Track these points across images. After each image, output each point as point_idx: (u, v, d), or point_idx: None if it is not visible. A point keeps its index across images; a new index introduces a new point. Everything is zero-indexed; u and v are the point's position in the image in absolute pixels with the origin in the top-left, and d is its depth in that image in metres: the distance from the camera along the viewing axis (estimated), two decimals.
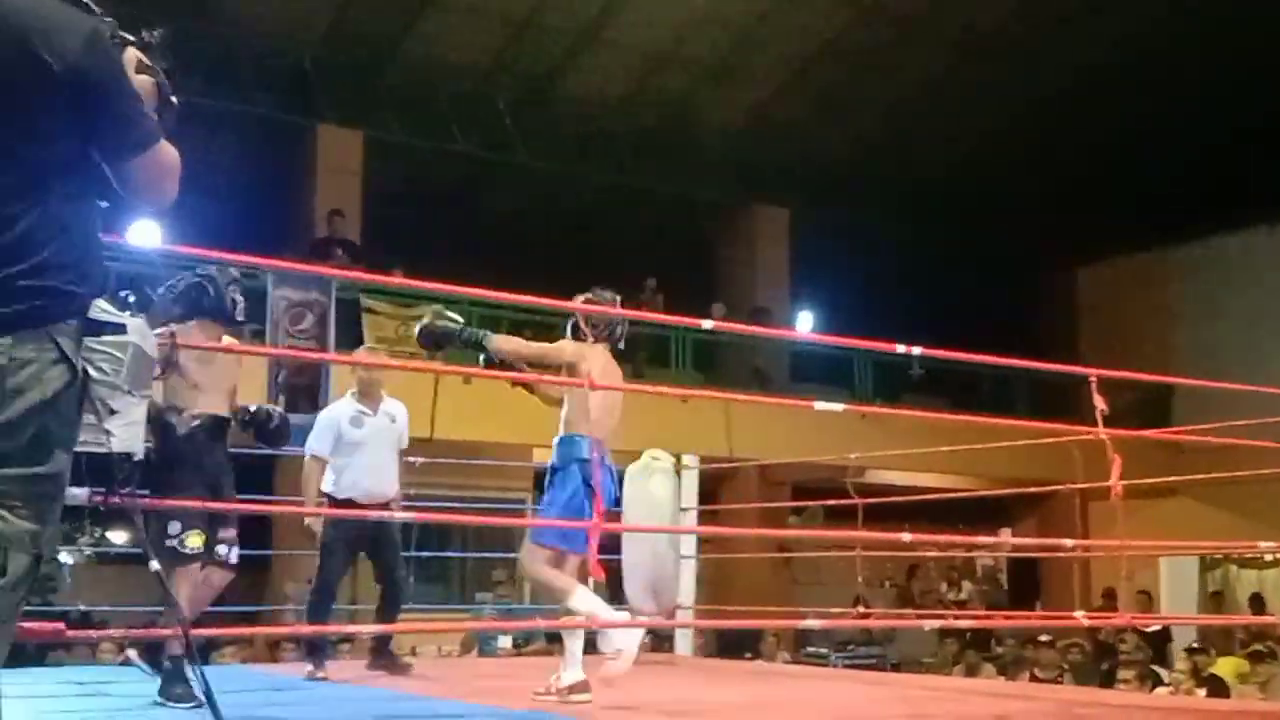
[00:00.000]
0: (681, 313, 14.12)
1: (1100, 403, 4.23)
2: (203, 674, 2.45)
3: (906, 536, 5.23)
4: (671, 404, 12.68)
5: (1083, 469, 11.04)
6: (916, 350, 4.79)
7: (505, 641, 9.77)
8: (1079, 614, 4.76)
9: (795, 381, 15.36)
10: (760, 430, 12.78)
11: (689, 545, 8.02)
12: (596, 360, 4.82)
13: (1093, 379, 4.27)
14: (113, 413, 2.19)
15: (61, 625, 2.59)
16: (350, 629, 8.47)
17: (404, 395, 11.39)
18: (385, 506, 6.10)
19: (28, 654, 8.19)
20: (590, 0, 13.39)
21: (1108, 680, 8.78)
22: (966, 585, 15.68)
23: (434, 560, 13.28)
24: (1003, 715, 4.97)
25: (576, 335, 5.05)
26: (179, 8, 12.56)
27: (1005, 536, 15.43)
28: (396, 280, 11.88)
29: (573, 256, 15.09)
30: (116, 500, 2.33)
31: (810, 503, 12.34)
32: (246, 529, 5.22)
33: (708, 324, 5.12)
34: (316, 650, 6.17)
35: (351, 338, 11.83)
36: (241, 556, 4.93)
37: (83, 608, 12.33)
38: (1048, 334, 17.14)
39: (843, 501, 7.67)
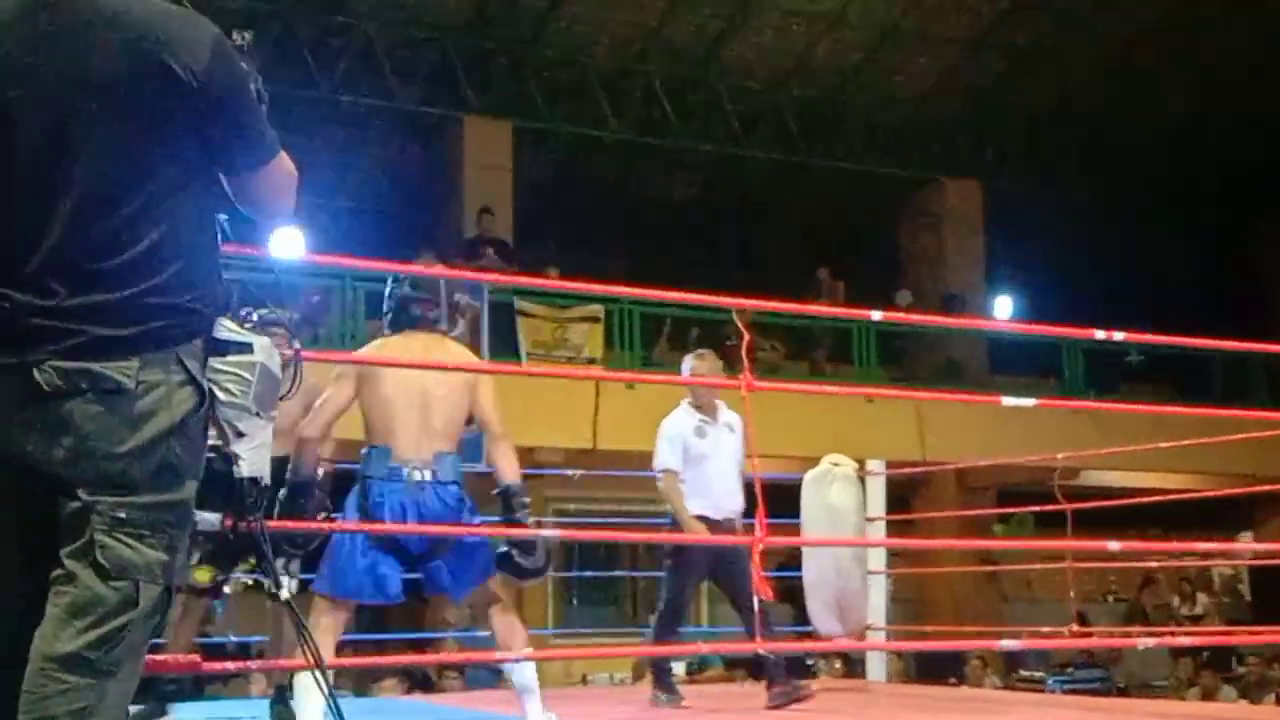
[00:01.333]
0: (865, 303, 14.10)
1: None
2: (336, 706, 2.54)
3: (1114, 545, 5.06)
4: (856, 404, 12.58)
5: None
6: (1119, 335, 4.60)
7: (679, 667, 9.82)
8: None
9: (995, 373, 15.05)
10: (957, 430, 12.54)
11: (878, 559, 7.93)
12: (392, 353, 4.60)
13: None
14: (240, 435, 2.28)
15: (197, 658, 2.71)
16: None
17: (565, 404, 11.70)
18: (732, 524, 6.16)
19: (182, 689, 8.61)
20: None
21: None
22: (1202, 598, 15.10)
23: (602, 581, 13.46)
24: None
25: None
26: (317, 5, 13.04)
27: (1245, 542, 14.84)
28: (552, 282, 12.02)
29: (739, 245, 15.12)
30: (244, 527, 2.44)
31: (1017, 509, 12.09)
32: None
33: (876, 315, 4.99)
34: (662, 675, 6.35)
35: (507, 343, 12.10)
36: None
37: (234, 638, 12.88)
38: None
39: (1054, 507, 7.47)
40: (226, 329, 2.30)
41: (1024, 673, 12.43)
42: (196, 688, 8.62)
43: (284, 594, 2.53)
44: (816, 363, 13.75)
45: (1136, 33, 14.52)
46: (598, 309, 12.45)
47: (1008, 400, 3.88)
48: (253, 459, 2.30)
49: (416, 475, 4.26)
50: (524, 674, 4.43)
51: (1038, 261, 15.41)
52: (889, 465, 10.30)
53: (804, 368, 13.80)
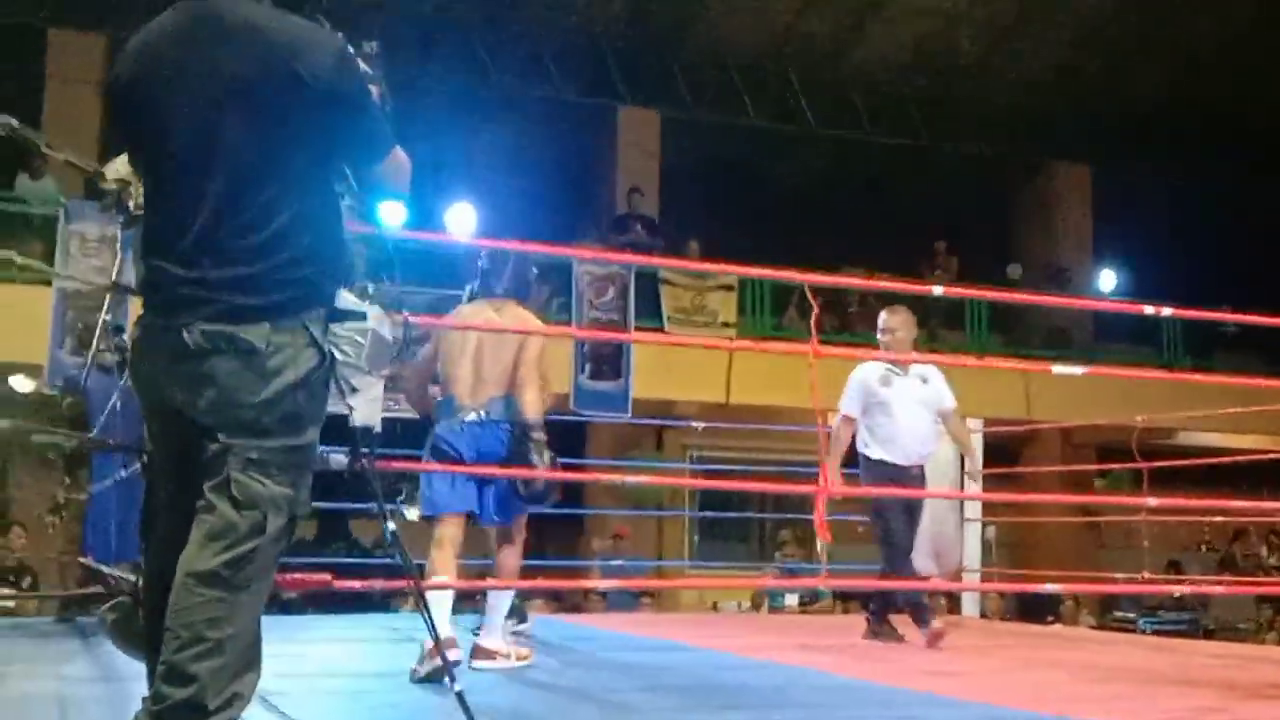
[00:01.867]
0: (978, 275, 13.81)
1: None
2: (431, 622, 2.63)
3: (1183, 503, 4.93)
4: (966, 367, 12.34)
5: None
6: (1166, 311, 4.45)
7: (791, 599, 9.84)
8: None
9: (1100, 341, 14.60)
10: (1061, 391, 12.20)
11: (974, 508, 7.82)
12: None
13: None
14: (354, 390, 2.38)
15: (328, 576, 2.84)
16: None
17: (701, 363, 11.74)
18: (922, 471, 6.09)
19: (371, 601, 8.93)
20: None
21: None
22: None
23: (733, 521, 13.53)
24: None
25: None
26: (494, 7, 13.24)
27: None
28: (693, 263, 12.02)
29: (864, 222, 14.89)
30: (359, 466, 2.54)
31: (1115, 466, 11.74)
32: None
33: (938, 290, 4.87)
34: (882, 614, 6.08)
35: (651, 309, 12.18)
36: (557, 516, 5.12)
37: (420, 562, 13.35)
38: None
39: (1131, 465, 7.25)
40: (345, 299, 2.40)
41: (1118, 614, 12.08)
42: (384, 601, 8.94)
43: (390, 526, 2.61)
44: (933, 329, 13.48)
45: (1234, 30, 13.84)
46: (732, 279, 12.42)
47: (1058, 369, 3.78)
48: (365, 410, 2.40)
49: (471, 416, 4.47)
50: (498, 599, 4.62)
51: (1141, 238, 14.85)
52: (996, 423, 10.18)
53: (923, 334, 13.55)
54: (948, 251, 14.11)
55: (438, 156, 13.44)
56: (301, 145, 2.35)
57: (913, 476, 6.02)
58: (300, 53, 2.32)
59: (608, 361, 11.72)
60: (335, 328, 2.37)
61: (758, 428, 10.04)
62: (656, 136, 14.19)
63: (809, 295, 4.52)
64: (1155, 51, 14.34)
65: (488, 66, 13.46)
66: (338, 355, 2.37)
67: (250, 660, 2.27)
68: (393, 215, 11.52)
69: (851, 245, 13.61)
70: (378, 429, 2.44)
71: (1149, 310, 4.71)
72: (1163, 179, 14.94)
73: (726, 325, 12.47)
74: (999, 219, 16.00)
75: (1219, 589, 10.22)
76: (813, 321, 4.13)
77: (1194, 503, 5.42)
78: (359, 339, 2.37)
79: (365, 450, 2.49)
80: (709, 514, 13.16)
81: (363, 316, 2.39)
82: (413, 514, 4.47)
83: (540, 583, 8.68)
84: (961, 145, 14.83)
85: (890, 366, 6.04)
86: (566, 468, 5.51)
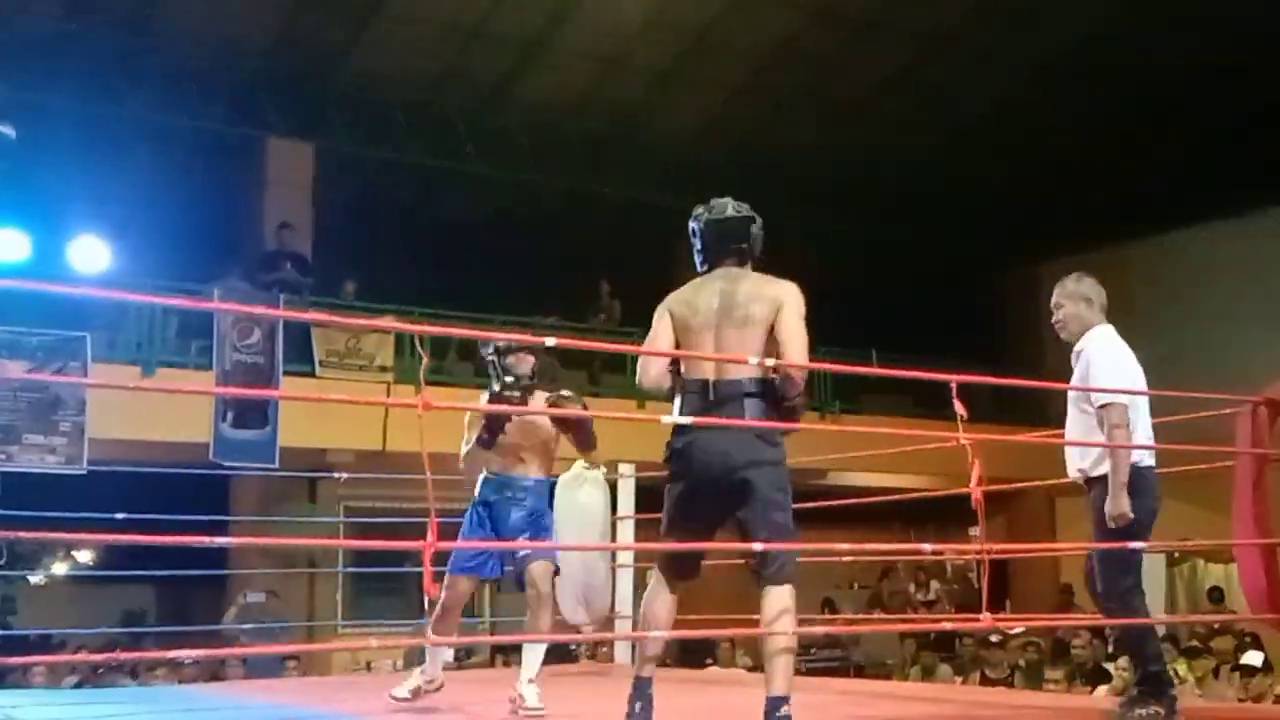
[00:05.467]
0: (641, 317, 14.38)
1: (960, 408, 4.25)
2: None
3: (834, 545, 5.50)
4: (629, 411, 12.86)
5: (1051, 467, 11.17)
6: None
7: (447, 655, 9.90)
8: (984, 616, 4.40)
9: None
10: None
11: (625, 555, 8.20)
12: None
13: (952, 384, 4.31)
14: None
15: None
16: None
17: (356, 407, 11.67)
18: None
19: None
20: (539, 8, 13.52)
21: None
22: (935, 585, 15.85)
23: (391, 575, 13.44)
24: (900, 718, 5.17)
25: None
26: (121, 24, 12.78)
27: (975, 536, 15.59)
28: (345, 319, 11.92)
29: (528, 265, 15.30)
30: None
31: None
32: None
33: (550, 341, 4.78)
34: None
35: (301, 352, 12.04)
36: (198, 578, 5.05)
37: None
38: (1013, 333, 17.31)
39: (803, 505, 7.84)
40: None
41: None
42: None
43: None
44: (594, 372, 14.00)
45: (880, 82, 15.11)
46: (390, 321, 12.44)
47: (665, 419, 4.09)
48: None
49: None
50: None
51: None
52: (650, 467, 10.64)
53: (584, 378, 14.03)
54: (611, 294, 14.67)
55: (65, 187, 12.84)
56: None
57: None
58: None
59: (253, 408, 11.49)
60: None
61: (408, 476, 10.07)
62: (311, 170, 14.04)
63: (419, 347, 4.56)
64: (806, 104, 15.45)
65: (119, 87, 12.97)
66: None
67: None
68: (10, 249, 10.87)
69: (513, 290, 13.99)
70: None
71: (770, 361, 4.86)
72: (812, 230, 16.01)
73: (383, 369, 12.48)
74: (662, 264, 16.68)
75: (865, 628, 11.06)
76: (422, 371, 4.28)
77: (841, 545, 5.92)
78: None
79: None
80: (356, 569, 13.03)
81: None
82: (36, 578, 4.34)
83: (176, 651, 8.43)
84: (622, 190, 15.40)
85: None
86: (210, 526, 5.43)
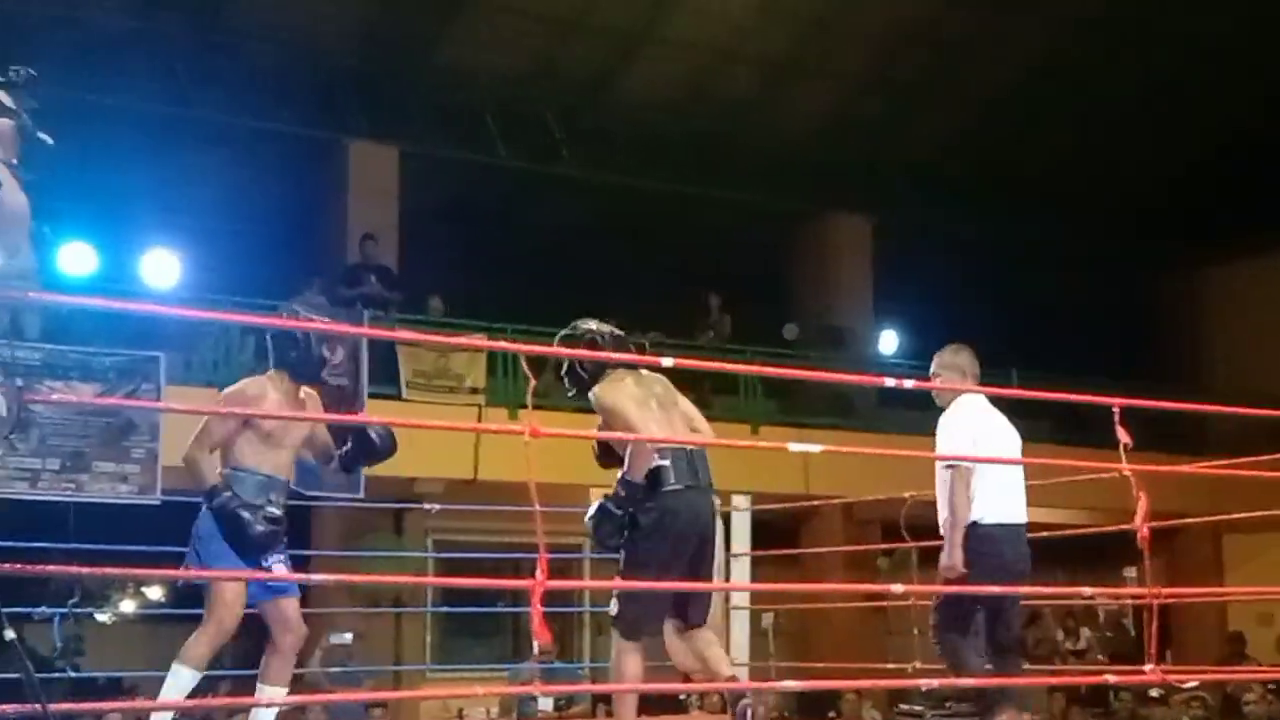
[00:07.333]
0: (753, 333, 13.86)
1: (1124, 436, 4.25)
2: None
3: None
4: (741, 435, 12.26)
5: (1215, 499, 10.43)
6: (908, 383, 5.25)
7: (546, 704, 9.49)
8: (1150, 668, 4.39)
9: (883, 407, 14.80)
10: (842, 463, 12.25)
11: (741, 596, 7.66)
12: None
13: (1115, 409, 4.28)
14: None
15: None
16: None
17: (446, 433, 11.22)
18: None
19: None
20: None
21: None
22: (1085, 632, 14.95)
23: (483, 615, 13.01)
24: None
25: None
26: (192, 21, 12.57)
27: (1129, 578, 14.73)
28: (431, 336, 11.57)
29: (630, 276, 14.80)
30: None
31: (895, 545, 11.82)
32: None
33: (668, 362, 4.81)
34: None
35: (386, 372, 11.68)
36: None
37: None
38: (1170, 344, 16.43)
39: (911, 544, 7.27)
40: None
41: (903, 706, 12.13)
42: None
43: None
44: (702, 393, 13.37)
45: (1026, 68, 14.49)
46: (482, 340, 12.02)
47: (795, 446, 4.55)
48: None
49: None
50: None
51: (923, 295, 15.28)
52: (768, 499, 10.01)
53: (691, 397, 13.42)
54: (721, 309, 14.17)
55: (133, 196, 12.65)
56: None
57: None
58: None
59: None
60: None
61: (504, 508, 9.60)
62: (395, 176, 13.74)
63: (524, 364, 4.24)
64: (935, 99, 14.88)
65: (192, 91, 12.77)
66: None
67: None
68: (78, 263, 10.56)
69: (616, 301, 13.44)
70: None
71: (889, 382, 5.24)
72: (947, 231, 15.42)
73: (474, 391, 12.06)
74: (775, 274, 16.21)
75: (1017, 680, 10.27)
76: (529, 394, 3.81)
77: (991, 589, 5.43)
78: None
79: None
80: (447, 609, 12.60)
81: None
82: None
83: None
84: (733, 193, 14.96)
85: None
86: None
